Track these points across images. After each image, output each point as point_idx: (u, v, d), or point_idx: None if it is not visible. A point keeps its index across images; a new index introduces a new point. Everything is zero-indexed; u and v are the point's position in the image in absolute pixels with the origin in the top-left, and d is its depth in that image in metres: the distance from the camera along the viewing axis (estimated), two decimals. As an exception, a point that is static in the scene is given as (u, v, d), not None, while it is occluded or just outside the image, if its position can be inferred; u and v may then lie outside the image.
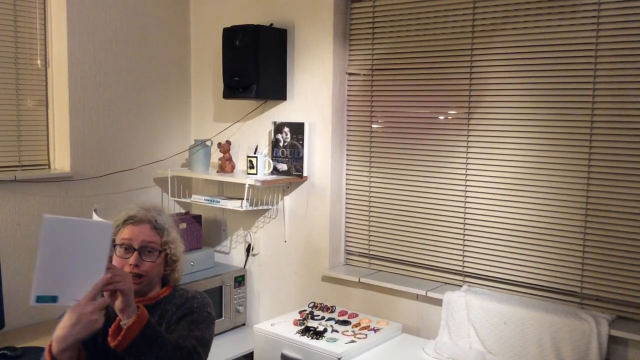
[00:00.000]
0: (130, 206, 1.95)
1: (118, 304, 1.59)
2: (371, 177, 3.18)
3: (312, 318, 3.00)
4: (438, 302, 2.81)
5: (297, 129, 3.23)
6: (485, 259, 2.82)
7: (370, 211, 3.19)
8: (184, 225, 3.41)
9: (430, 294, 2.84)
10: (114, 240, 1.89)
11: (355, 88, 3.21)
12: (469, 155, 2.83)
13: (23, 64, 3.13)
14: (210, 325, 1.92)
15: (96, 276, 1.53)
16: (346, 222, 3.30)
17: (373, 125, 3.16)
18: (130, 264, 1.83)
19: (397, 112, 3.06)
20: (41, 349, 1.72)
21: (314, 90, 3.22)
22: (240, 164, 3.53)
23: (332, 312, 3.09)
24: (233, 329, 3.44)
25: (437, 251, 2.97)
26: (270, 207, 3.44)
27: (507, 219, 2.74)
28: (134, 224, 1.88)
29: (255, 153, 3.36)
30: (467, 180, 2.85)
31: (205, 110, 3.75)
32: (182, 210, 3.77)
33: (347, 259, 3.33)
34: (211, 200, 3.39)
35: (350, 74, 3.23)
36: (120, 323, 1.61)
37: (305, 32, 3.24)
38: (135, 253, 1.84)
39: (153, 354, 1.61)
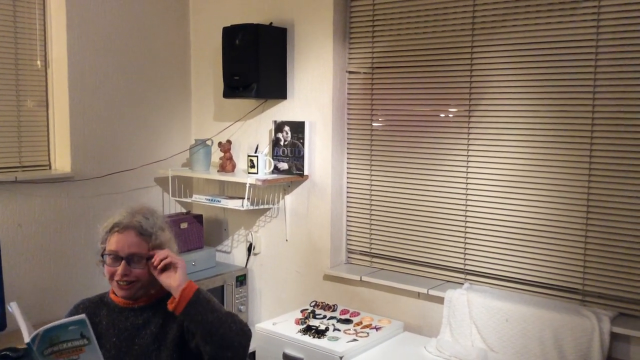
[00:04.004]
0: (118, 210, 1.93)
1: (174, 280, 1.77)
2: (372, 175, 3.17)
3: (314, 317, 3.00)
4: (440, 300, 2.81)
5: (298, 128, 3.23)
6: (486, 256, 2.81)
7: (372, 209, 3.19)
8: (185, 225, 3.41)
9: (431, 292, 2.84)
10: (103, 250, 1.88)
11: (356, 86, 3.21)
12: (470, 152, 2.83)
13: (23, 65, 3.13)
14: None
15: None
16: (347, 220, 3.29)
17: (373, 124, 3.16)
18: (119, 274, 1.84)
19: (398, 110, 3.06)
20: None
21: (314, 89, 3.22)
22: (241, 163, 3.53)
23: (333, 310, 3.09)
24: (235, 328, 3.44)
25: (438, 249, 2.96)
26: (271, 206, 3.43)
27: (508, 216, 2.73)
28: (119, 231, 1.86)
29: (255, 152, 3.36)
30: (468, 177, 2.84)
31: (205, 110, 3.75)
32: (183, 210, 3.77)
33: (349, 257, 3.32)
34: (212, 200, 3.39)
35: (350, 72, 3.22)
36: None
37: (305, 31, 3.24)
38: (123, 262, 1.83)
39: (208, 314, 1.74)
